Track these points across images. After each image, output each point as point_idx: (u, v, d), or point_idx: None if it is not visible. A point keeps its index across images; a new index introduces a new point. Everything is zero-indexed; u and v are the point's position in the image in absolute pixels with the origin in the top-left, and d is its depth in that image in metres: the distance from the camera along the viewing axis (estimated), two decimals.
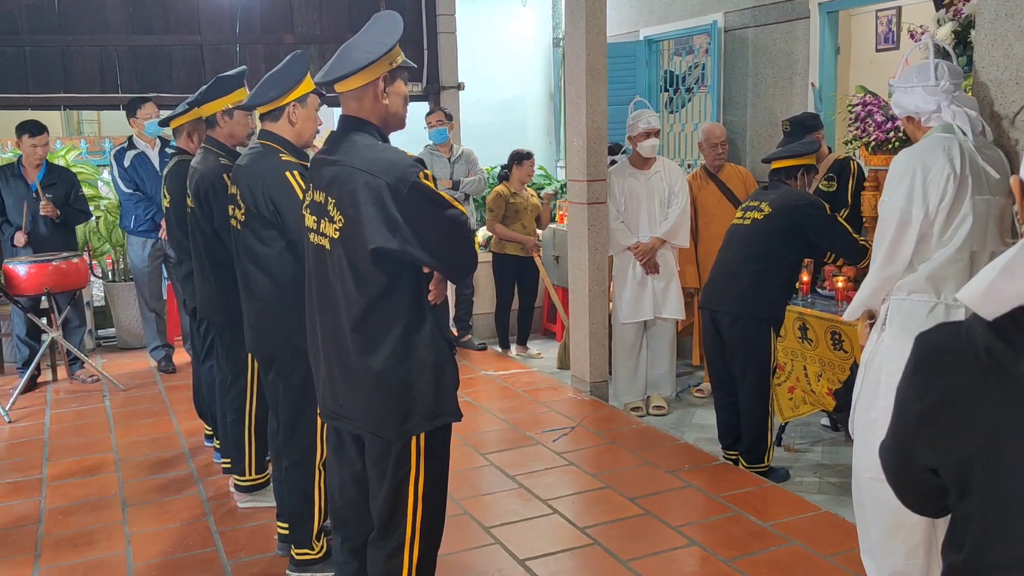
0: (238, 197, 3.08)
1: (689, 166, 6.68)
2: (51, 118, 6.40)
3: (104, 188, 6.91)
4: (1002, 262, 0.98)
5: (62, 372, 5.97)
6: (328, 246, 2.37)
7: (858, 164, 4.78)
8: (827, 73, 5.34)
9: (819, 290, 4.72)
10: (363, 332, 2.31)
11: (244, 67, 3.97)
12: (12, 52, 6.25)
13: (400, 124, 2.47)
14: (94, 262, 6.78)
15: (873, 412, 2.73)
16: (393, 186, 2.24)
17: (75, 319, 5.91)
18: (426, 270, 2.38)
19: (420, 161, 2.35)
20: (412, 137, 7.41)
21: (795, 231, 4.05)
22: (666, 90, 6.98)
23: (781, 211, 4.08)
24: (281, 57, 6.82)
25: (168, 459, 4.45)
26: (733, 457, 4.35)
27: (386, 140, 2.43)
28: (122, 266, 6.72)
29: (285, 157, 3.03)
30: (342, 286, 2.33)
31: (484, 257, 6.92)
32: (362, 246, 2.27)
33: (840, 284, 4.52)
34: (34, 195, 5.53)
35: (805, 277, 4.66)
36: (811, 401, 4.58)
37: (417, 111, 7.40)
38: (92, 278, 7.06)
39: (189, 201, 3.71)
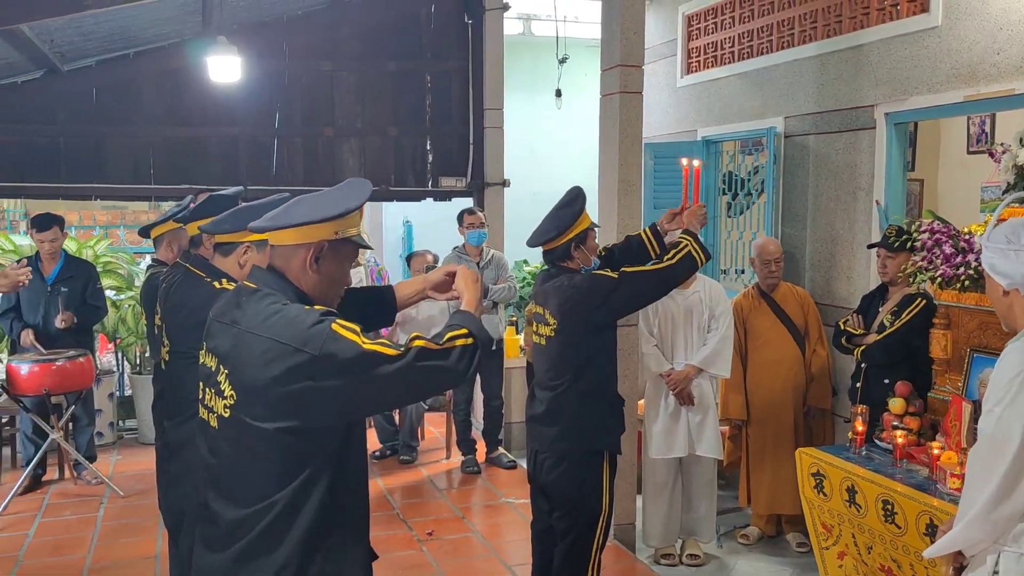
0: (164, 332, 2.74)
1: (742, 271, 6.15)
2: None
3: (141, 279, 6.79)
4: None
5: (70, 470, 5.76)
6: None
7: (927, 300, 4.17)
8: (894, 189, 4.75)
9: (876, 441, 4.07)
10: None
11: (241, 188, 3.62)
12: (46, 142, 6.24)
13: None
14: (120, 353, 6.63)
15: None
16: None
17: (84, 417, 5.70)
18: None
19: None
20: (442, 234, 7.08)
21: (590, 327, 3.42)
22: (725, 193, 6.48)
23: (564, 315, 3.42)
24: (319, 151, 6.77)
25: None
26: None
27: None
28: (148, 356, 6.54)
29: (216, 286, 2.68)
30: None
31: (521, 363, 6.48)
32: None
33: (900, 440, 3.87)
34: (48, 289, 5.40)
35: (860, 427, 4.03)
36: (865, 573, 3.91)
37: (450, 209, 7.10)
38: (126, 365, 6.93)
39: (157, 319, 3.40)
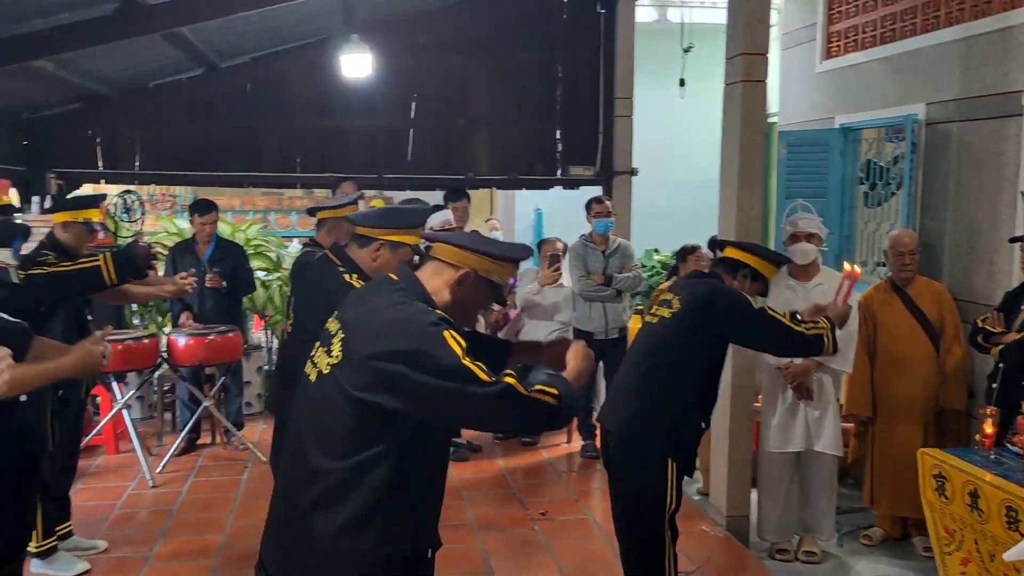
0: (291, 305, 2.98)
1: (880, 264, 5.90)
2: None
3: (288, 261, 7.25)
4: None
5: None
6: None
7: None
8: None
9: (1008, 445, 3.86)
10: None
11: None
12: (206, 133, 6.80)
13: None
14: (269, 331, 7.12)
15: None
16: None
17: (233, 388, 6.18)
18: None
19: None
20: (572, 222, 7.16)
21: (709, 329, 3.34)
22: (863, 182, 6.24)
23: (691, 305, 3.34)
24: (452, 140, 7.01)
25: None
26: None
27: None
28: None
29: (346, 278, 2.90)
30: None
31: None
32: None
33: None
34: (202, 269, 5.88)
35: (989, 429, 3.83)
36: None
37: (579, 198, 7.17)
38: (274, 341, 7.43)
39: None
